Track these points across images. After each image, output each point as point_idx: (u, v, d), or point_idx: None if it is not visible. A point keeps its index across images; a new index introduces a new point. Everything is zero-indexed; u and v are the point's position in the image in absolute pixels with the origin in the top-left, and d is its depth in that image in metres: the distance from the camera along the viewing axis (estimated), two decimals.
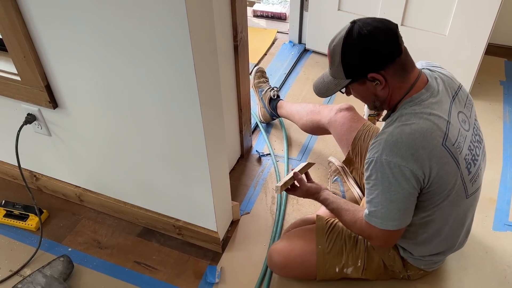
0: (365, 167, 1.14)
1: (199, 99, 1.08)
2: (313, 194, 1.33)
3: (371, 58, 1.07)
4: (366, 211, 1.17)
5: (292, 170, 1.38)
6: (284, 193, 1.69)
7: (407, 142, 1.06)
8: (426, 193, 1.12)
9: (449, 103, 1.14)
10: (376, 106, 1.18)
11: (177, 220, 1.51)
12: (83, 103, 1.30)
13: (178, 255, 1.52)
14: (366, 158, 1.14)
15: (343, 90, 1.18)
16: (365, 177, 1.16)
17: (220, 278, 1.44)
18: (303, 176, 1.37)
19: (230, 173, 1.81)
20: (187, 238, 1.54)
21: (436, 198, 1.13)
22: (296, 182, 1.35)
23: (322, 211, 1.53)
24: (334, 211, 1.30)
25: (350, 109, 1.64)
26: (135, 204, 1.56)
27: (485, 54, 2.02)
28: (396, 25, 1.09)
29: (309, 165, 1.41)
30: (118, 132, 1.32)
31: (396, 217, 1.13)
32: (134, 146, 1.33)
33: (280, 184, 1.33)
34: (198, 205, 1.42)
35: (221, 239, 1.50)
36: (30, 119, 1.43)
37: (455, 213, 1.19)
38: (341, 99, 2.12)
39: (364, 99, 1.20)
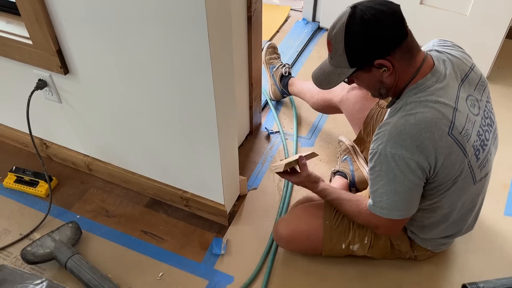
0: (369, 157, 1.12)
1: (211, 66, 1.07)
2: (313, 182, 1.29)
3: (377, 44, 1.01)
4: (370, 201, 1.16)
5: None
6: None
7: (412, 133, 1.03)
8: (432, 182, 1.10)
9: (456, 88, 1.09)
10: (381, 94, 1.14)
11: (185, 191, 1.52)
12: (94, 69, 1.29)
13: (185, 226, 1.53)
14: (370, 148, 1.11)
15: (346, 80, 1.12)
16: (368, 168, 1.14)
17: (226, 250, 1.45)
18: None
19: (238, 149, 1.80)
20: (194, 210, 1.55)
21: (442, 186, 1.11)
22: (297, 167, 1.32)
23: None
24: (334, 201, 1.28)
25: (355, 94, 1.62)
26: (143, 174, 1.57)
27: (506, 38, 1.97)
28: (399, 6, 1.04)
29: (313, 155, 1.36)
30: (128, 100, 1.32)
31: (402, 207, 1.12)
32: (144, 115, 1.33)
33: (282, 163, 1.30)
34: (206, 177, 1.42)
35: (227, 212, 1.50)
36: (41, 85, 1.43)
37: (463, 199, 1.17)
38: None
39: (369, 87, 1.15)
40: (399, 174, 1.06)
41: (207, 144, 1.29)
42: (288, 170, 1.32)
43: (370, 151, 1.11)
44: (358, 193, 1.47)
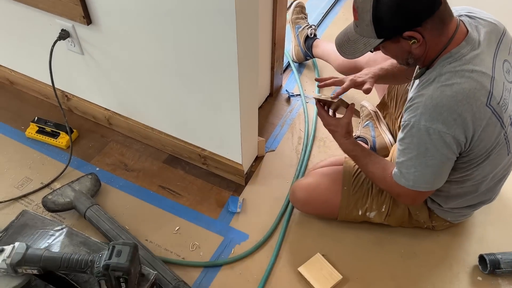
0: (401, 128, 1.08)
1: (235, 19, 1.04)
2: (346, 132, 1.23)
3: (408, 15, 0.95)
4: (397, 170, 1.12)
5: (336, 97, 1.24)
6: (311, 133, 1.67)
7: (449, 106, 0.98)
8: (466, 156, 1.07)
9: (492, 54, 1.03)
10: (409, 63, 1.08)
11: (203, 149, 1.52)
12: (118, 20, 1.27)
13: (202, 183, 1.53)
14: (402, 120, 1.07)
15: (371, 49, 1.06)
16: (398, 138, 1.10)
17: (242, 208, 1.45)
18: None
19: (258, 110, 1.78)
20: (211, 168, 1.56)
21: (476, 159, 1.07)
22: (338, 111, 1.24)
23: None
24: (360, 159, 1.24)
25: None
26: (162, 131, 1.57)
27: None
28: None
29: (348, 106, 1.25)
30: (151, 54, 1.30)
31: (430, 180, 1.09)
32: (166, 69, 1.31)
33: (328, 97, 1.20)
34: (225, 136, 1.41)
35: (245, 172, 1.50)
36: (64, 35, 1.42)
37: (495, 171, 1.13)
38: None
39: (396, 57, 1.10)
40: (432, 148, 1.03)
41: (228, 102, 1.28)
42: (330, 109, 1.27)
43: (402, 123, 1.07)
44: (388, 151, 1.43)
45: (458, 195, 1.22)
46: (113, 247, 1.01)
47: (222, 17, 1.05)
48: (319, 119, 1.76)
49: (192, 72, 1.27)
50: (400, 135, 1.10)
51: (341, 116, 1.24)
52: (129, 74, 1.43)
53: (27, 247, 1.03)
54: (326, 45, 1.81)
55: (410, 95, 1.11)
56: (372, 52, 1.08)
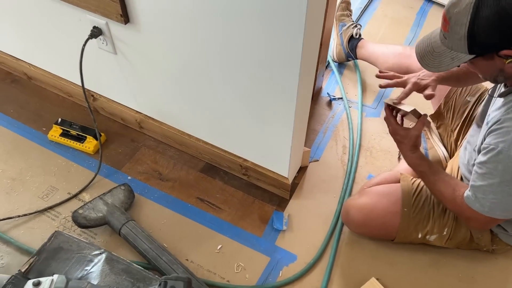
0: (483, 151, 0.98)
1: (305, 18, 0.91)
2: (414, 145, 1.12)
3: (509, 32, 0.85)
4: (471, 194, 1.02)
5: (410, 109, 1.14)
6: (356, 142, 1.56)
7: None
8: None
9: None
10: (497, 81, 0.99)
11: (245, 160, 1.40)
12: (158, 20, 1.14)
13: (243, 196, 1.42)
14: (485, 142, 0.97)
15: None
16: (478, 161, 1.00)
17: (287, 225, 1.35)
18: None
19: None
20: (252, 179, 1.44)
21: None
22: (409, 120, 1.15)
23: (403, 168, 1.39)
24: (428, 176, 1.13)
25: None
26: (201, 138, 1.45)
27: None
28: None
29: (420, 116, 1.14)
30: (194, 58, 1.17)
31: (509, 208, 0.99)
32: (211, 75, 1.19)
33: (405, 105, 1.12)
34: (273, 148, 1.29)
35: (290, 185, 1.39)
36: (96, 33, 1.29)
37: None
38: None
39: (484, 74, 0.99)
40: None
41: (281, 114, 1.16)
42: (400, 116, 1.18)
43: (485, 146, 0.97)
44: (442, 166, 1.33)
45: None
46: (165, 282, 0.90)
47: (288, 17, 0.92)
48: (364, 126, 1.64)
49: (242, 79, 1.14)
50: (481, 158, 0.99)
51: (409, 123, 1.13)
52: (167, 79, 1.31)
53: (67, 281, 0.92)
54: (373, 46, 1.68)
55: (494, 114, 1.00)
56: (458, 67, 0.96)
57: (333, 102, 1.72)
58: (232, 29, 1.03)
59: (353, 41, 1.73)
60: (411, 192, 1.24)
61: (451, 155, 1.45)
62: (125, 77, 1.41)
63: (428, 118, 1.51)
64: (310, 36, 0.99)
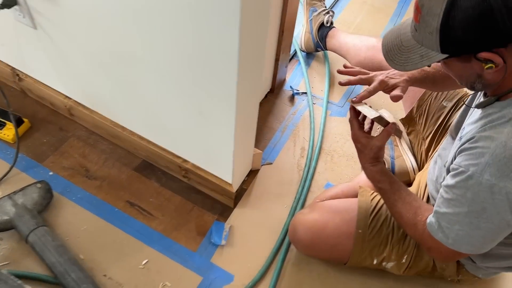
0: (452, 172, 0.81)
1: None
2: (376, 157, 0.96)
3: (491, 31, 0.68)
4: (434, 220, 0.85)
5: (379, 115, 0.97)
6: (317, 144, 1.38)
7: None
8: None
9: None
10: (474, 88, 0.80)
11: (185, 161, 1.22)
12: None
13: (181, 201, 1.24)
14: (456, 163, 0.80)
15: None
16: (445, 183, 0.83)
17: (227, 239, 1.17)
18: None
19: None
20: (194, 183, 1.26)
21: None
22: (375, 127, 0.98)
23: (364, 180, 1.22)
24: (388, 194, 0.96)
25: None
26: (135, 132, 1.26)
27: None
28: None
29: (397, 132, 1.00)
30: (124, 39, 0.97)
31: (477, 244, 0.82)
32: (142, 60, 0.99)
33: (371, 110, 0.94)
34: (213, 150, 1.11)
35: (234, 192, 1.21)
36: (9, 2, 1.08)
37: None
38: None
39: (458, 77, 0.81)
40: (491, 210, 0.76)
41: (220, 110, 0.97)
42: (370, 120, 0.98)
43: (454, 166, 0.80)
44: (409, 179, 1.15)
45: (500, 256, 0.96)
46: None
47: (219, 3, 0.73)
48: (327, 127, 1.46)
49: (176, 65, 0.95)
50: (449, 180, 0.82)
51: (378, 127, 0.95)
52: (94, 60, 1.10)
53: None
54: (345, 37, 1.49)
55: (469, 129, 0.83)
56: (429, 67, 0.79)
57: (296, 97, 1.54)
58: (161, 15, 0.84)
59: (324, 30, 1.53)
60: (369, 211, 1.07)
61: (420, 166, 1.29)
62: (49, 57, 1.21)
63: (400, 126, 1.34)
64: (252, 24, 0.80)
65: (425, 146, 1.26)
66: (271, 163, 1.36)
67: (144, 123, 1.21)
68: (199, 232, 1.19)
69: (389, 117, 1.38)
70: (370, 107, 1.03)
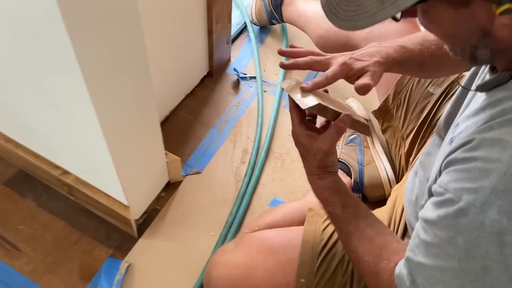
0: (434, 198, 0.48)
1: None
2: (325, 166, 0.61)
3: None
4: (405, 272, 0.50)
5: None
6: (264, 145, 1.04)
7: None
8: None
9: None
10: (474, 56, 0.46)
11: (66, 172, 0.86)
12: None
13: (64, 229, 0.89)
14: (440, 183, 0.48)
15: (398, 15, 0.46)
16: (423, 215, 0.50)
17: (122, 286, 0.82)
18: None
19: (185, 100, 1.12)
20: (82, 202, 0.91)
21: None
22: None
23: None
24: (340, 221, 0.62)
25: (410, 20, 0.90)
26: (2, 132, 0.90)
27: None
28: None
29: (363, 128, 0.64)
30: None
31: None
32: None
33: (314, 98, 0.59)
34: (89, 155, 0.76)
35: (133, 218, 0.86)
36: None
37: None
38: None
39: (450, 39, 0.47)
40: (500, 273, 0.42)
41: (70, 95, 0.62)
42: (311, 118, 0.64)
43: (438, 188, 0.48)
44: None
45: None
46: None
47: None
48: (279, 122, 1.11)
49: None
50: (429, 210, 0.49)
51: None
52: None
53: None
54: (303, 4, 1.13)
55: (464, 126, 0.51)
56: (398, 21, 0.45)
57: (241, 82, 1.18)
58: None
59: None
60: (317, 249, 0.72)
61: (399, 176, 0.94)
62: None
63: (374, 122, 0.99)
64: None
65: (405, 149, 0.91)
66: (199, 172, 1.00)
67: (5, 119, 0.85)
68: (83, 275, 0.84)
69: (358, 109, 1.03)
70: (326, 92, 0.68)
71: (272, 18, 1.22)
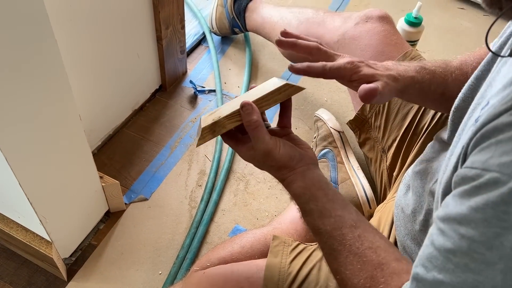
0: (459, 188, 0.36)
1: None
2: (280, 168, 0.50)
3: None
4: None
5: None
6: (224, 165, 0.91)
7: None
8: None
9: None
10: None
11: None
12: None
13: None
14: (469, 164, 0.35)
15: None
16: (441, 214, 0.37)
17: None
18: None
19: (133, 116, 0.98)
20: (1, 240, 0.74)
21: None
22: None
23: (288, 221, 0.74)
24: (322, 236, 0.48)
25: (385, 19, 0.79)
26: None
27: None
28: None
29: (292, 89, 0.51)
30: None
31: None
32: None
33: (204, 123, 0.49)
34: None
35: (58, 257, 0.69)
36: None
37: None
38: (361, 4, 1.25)
39: None
40: None
41: None
42: (232, 130, 0.50)
43: (475, 172, 0.34)
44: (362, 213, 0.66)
45: None
46: None
47: None
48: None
49: None
50: (456, 204, 0.36)
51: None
52: None
53: None
54: (269, 10, 1.02)
55: (500, 96, 0.36)
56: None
57: (199, 96, 1.04)
58: None
59: (241, 1, 1.06)
60: (284, 286, 0.57)
61: (381, 194, 0.81)
62: None
63: (338, 127, 0.87)
64: None
65: (388, 162, 0.78)
66: (146, 199, 0.85)
67: None
68: None
69: (329, 120, 0.91)
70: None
71: (235, 26, 1.11)
